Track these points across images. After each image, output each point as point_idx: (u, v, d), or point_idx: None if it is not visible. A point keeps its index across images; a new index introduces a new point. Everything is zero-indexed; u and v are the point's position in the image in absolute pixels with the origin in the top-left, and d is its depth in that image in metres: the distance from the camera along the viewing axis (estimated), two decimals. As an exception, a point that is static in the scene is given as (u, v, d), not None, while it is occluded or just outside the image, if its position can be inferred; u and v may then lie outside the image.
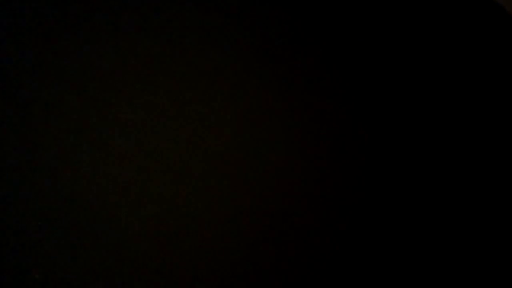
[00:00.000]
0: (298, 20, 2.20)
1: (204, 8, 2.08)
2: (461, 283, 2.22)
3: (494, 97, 2.31)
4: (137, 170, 2.02)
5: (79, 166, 1.95)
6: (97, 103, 1.97)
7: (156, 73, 2.04)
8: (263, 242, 2.14)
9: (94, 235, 1.96)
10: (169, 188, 2.05)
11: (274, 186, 2.16)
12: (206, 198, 2.09)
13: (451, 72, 2.32)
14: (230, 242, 2.11)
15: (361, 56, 2.28)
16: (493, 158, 2.27)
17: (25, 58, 1.89)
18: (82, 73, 1.95)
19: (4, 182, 1.86)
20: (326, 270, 2.19)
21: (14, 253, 1.87)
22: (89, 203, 1.96)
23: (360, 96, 2.26)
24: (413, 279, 2.23)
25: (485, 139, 2.28)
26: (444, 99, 2.31)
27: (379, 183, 2.25)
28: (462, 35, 2.33)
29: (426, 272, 2.23)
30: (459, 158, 2.28)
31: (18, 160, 1.88)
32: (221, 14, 2.10)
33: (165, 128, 2.05)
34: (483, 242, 2.23)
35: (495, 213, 2.24)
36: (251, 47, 2.15)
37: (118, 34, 1.99)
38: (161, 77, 2.05)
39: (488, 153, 2.28)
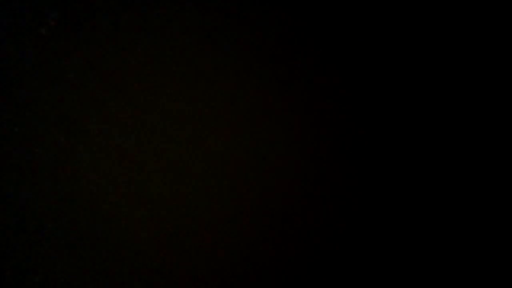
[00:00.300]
0: (298, 20, 2.20)
1: (204, 8, 2.08)
2: (461, 283, 2.22)
3: (495, 95, 2.31)
4: (137, 170, 2.02)
5: (79, 166, 1.95)
6: (97, 103, 1.97)
7: (156, 73, 2.04)
8: (263, 242, 2.14)
9: (94, 235, 1.96)
10: (169, 188, 2.05)
11: (274, 186, 2.16)
12: (206, 198, 2.09)
13: (453, 70, 2.32)
14: (230, 242, 2.11)
15: (361, 56, 2.28)
16: (493, 158, 2.27)
17: (25, 58, 1.89)
18: (82, 73, 1.95)
19: (4, 182, 1.87)
20: (326, 270, 2.19)
21: (14, 253, 1.87)
22: (89, 203, 1.96)
23: (360, 96, 2.26)
24: (413, 279, 2.23)
25: (485, 139, 2.28)
26: (445, 98, 2.31)
27: (379, 183, 2.25)
28: (461, 33, 2.33)
29: (426, 272, 2.24)
30: (459, 157, 2.28)
31: (18, 160, 1.88)
32: (221, 14, 2.10)
33: (165, 128, 2.05)
34: (483, 242, 2.23)
35: (495, 213, 2.24)
36: (251, 47, 2.15)
37: (118, 34, 1.99)
38: (161, 77, 2.05)
39: (488, 153, 2.28)
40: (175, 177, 2.06)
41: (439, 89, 2.31)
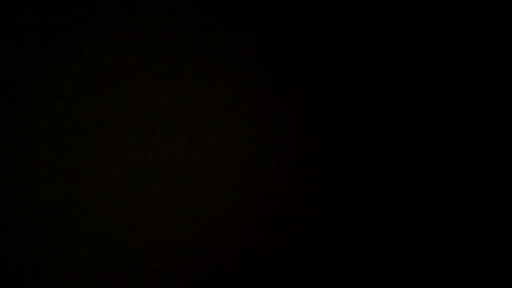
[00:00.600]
0: (299, 20, 2.21)
1: (204, 8, 2.08)
2: (461, 283, 2.22)
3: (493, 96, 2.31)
4: (137, 170, 2.02)
5: (79, 166, 1.95)
6: (97, 103, 1.97)
7: (156, 73, 2.04)
8: (263, 242, 2.14)
9: (94, 235, 1.96)
10: (169, 188, 2.06)
11: (274, 186, 2.16)
12: (206, 198, 2.10)
13: (453, 70, 2.32)
14: (230, 242, 2.11)
15: (360, 56, 2.28)
16: (493, 158, 2.27)
17: (25, 58, 1.89)
18: (82, 73, 1.96)
19: (4, 182, 1.87)
20: (326, 270, 2.19)
21: (14, 253, 1.87)
22: (89, 203, 1.96)
23: (360, 96, 2.26)
24: (413, 279, 2.23)
25: (486, 139, 2.28)
26: (444, 99, 2.31)
27: (379, 183, 2.25)
28: (460, 33, 2.33)
29: (426, 272, 2.24)
30: (459, 157, 2.28)
31: (18, 160, 1.88)
32: (221, 14, 2.11)
33: (165, 128, 2.05)
34: (483, 242, 2.23)
35: (495, 213, 2.25)
36: (251, 47, 2.15)
37: (118, 34, 1.99)
38: (161, 77, 2.05)
39: (488, 153, 2.28)
40: (175, 177, 2.06)
41: (439, 89, 2.31)
